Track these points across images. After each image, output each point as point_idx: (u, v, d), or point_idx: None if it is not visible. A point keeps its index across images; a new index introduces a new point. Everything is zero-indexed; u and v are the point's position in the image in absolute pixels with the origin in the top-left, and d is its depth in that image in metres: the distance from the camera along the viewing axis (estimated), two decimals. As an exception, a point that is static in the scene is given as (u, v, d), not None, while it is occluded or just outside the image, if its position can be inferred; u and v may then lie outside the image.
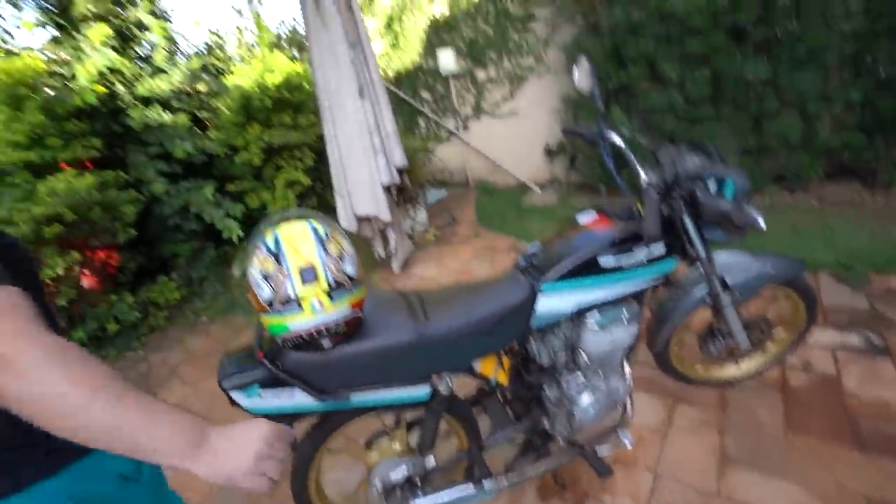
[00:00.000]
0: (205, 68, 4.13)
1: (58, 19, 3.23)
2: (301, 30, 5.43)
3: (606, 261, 1.24)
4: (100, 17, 3.22)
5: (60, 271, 2.85)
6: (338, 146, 3.13)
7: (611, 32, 3.66)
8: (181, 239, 3.86)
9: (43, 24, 3.24)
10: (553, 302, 1.25)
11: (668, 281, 1.42)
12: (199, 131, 3.89)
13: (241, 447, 0.64)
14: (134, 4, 3.51)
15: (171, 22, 3.83)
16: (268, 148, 3.84)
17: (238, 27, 4.77)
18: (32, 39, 2.99)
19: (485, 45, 4.72)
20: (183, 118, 3.63)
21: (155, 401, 0.61)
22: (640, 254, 1.26)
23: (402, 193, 3.85)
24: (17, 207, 2.57)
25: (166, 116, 3.51)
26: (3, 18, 3.12)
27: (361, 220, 3.36)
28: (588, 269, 1.24)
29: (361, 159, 3.11)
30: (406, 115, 5.44)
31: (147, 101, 3.50)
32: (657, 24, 3.39)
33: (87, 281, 3.22)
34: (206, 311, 3.70)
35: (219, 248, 4.11)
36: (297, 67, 4.17)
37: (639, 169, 1.25)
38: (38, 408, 0.53)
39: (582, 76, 1.34)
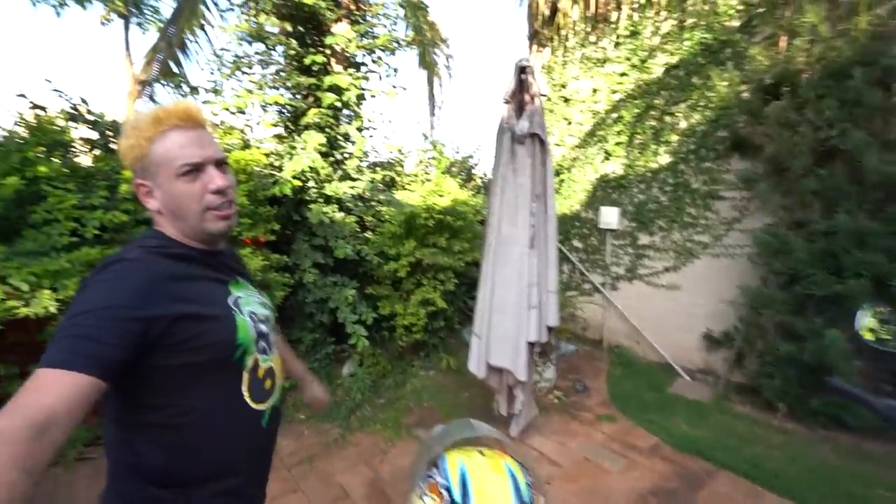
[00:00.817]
0: (383, 179, 4.48)
1: (288, 123, 3.78)
2: (476, 161, 5.85)
3: None
4: (319, 127, 3.69)
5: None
6: (491, 288, 2.96)
7: (825, 235, 3.17)
8: (309, 327, 3.90)
9: (276, 125, 3.81)
10: None
11: None
12: (360, 232, 4.10)
13: None
14: (348, 121, 4.01)
15: (370, 136, 4.28)
16: (415, 263, 3.87)
17: (421, 149, 5.22)
18: (265, 134, 3.61)
19: (655, 212, 4.49)
20: (351, 220, 3.86)
21: None
22: None
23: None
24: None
25: (338, 216, 3.74)
26: (249, 115, 3.72)
27: (493, 369, 3.04)
28: None
29: (513, 309, 2.87)
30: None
31: (328, 199, 3.80)
32: (891, 238, 2.84)
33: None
34: (304, 409, 3.54)
35: (338, 344, 4.07)
36: (464, 195, 4.32)
37: None
38: None
39: None
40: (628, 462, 2.99)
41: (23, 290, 2.23)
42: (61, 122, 2.87)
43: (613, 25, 4.66)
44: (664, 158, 4.40)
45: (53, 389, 0.66)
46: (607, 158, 4.92)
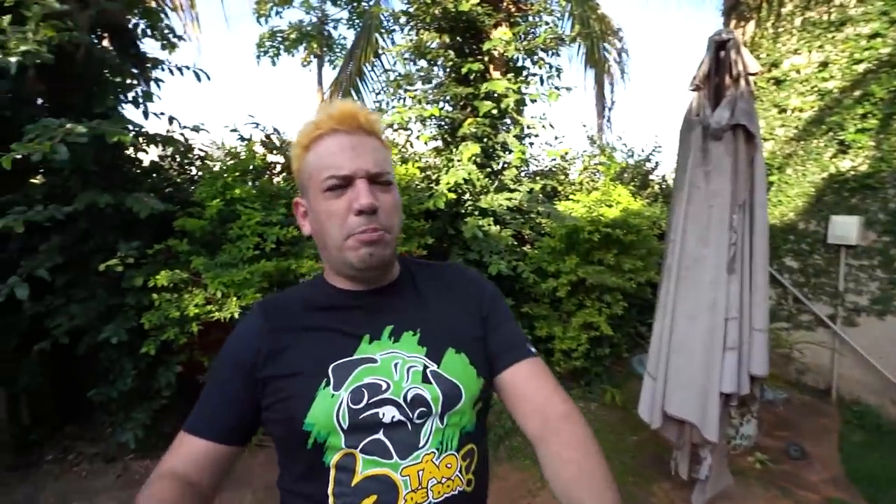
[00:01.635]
0: (543, 189, 4.17)
1: (446, 136, 3.77)
2: (653, 165, 5.09)
3: None
4: (475, 137, 3.58)
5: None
6: (672, 319, 2.39)
7: None
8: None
9: (434, 138, 3.84)
10: None
11: None
12: (516, 247, 3.86)
13: None
14: (507, 129, 3.82)
15: (531, 144, 4.02)
16: (577, 281, 3.45)
17: (587, 154, 4.74)
18: (424, 148, 3.70)
19: (929, 221, 3.19)
20: (507, 234, 3.64)
21: None
22: None
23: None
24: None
25: (494, 229, 3.56)
26: (410, 131, 3.81)
27: (671, 418, 2.46)
28: None
29: (701, 349, 2.27)
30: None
31: (484, 212, 3.65)
32: None
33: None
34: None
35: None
36: (637, 205, 3.73)
37: None
38: None
39: None
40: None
41: (217, 296, 2.59)
42: (258, 149, 3.32)
43: (859, -30, 3.49)
44: (946, 146, 3.10)
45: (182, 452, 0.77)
46: (843, 152, 3.71)
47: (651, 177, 5.21)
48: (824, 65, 3.82)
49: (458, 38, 3.63)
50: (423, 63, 3.79)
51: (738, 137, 2.25)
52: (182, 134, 3.14)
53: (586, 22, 3.96)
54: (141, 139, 2.94)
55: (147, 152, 2.99)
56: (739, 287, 2.25)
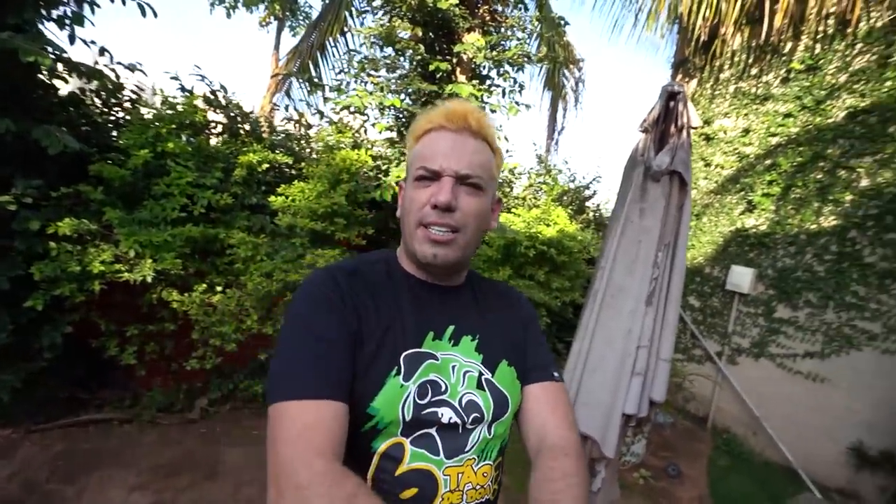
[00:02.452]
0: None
1: (402, 129, 3.73)
2: (591, 193, 5.39)
3: None
4: (431, 136, 3.57)
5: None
6: (590, 341, 2.54)
7: None
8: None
9: (390, 129, 3.78)
10: None
11: None
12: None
13: None
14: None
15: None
16: (506, 293, 3.56)
17: (533, 171, 4.92)
18: (379, 136, 3.63)
19: (805, 282, 3.69)
20: (448, 236, 3.67)
21: None
22: None
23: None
24: (280, 267, 2.75)
25: (436, 229, 3.58)
26: (367, 116, 3.72)
27: (574, 433, 2.61)
28: None
29: (612, 372, 2.44)
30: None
31: (428, 210, 3.66)
32: None
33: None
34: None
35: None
36: (572, 228, 3.93)
37: None
38: None
39: None
40: None
41: (130, 255, 2.35)
42: (198, 104, 3.06)
43: (784, 58, 3.97)
44: (829, 220, 3.60)
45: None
46: (750, 211, 4.19)
47: (588, 203, 5.54)
48: (746, 131, 4.29)
49: (430, 33, 3.61)
50: (389, 51, 3.71)
51: (674, 183, 2.46)
52: (114, 70, 2.80)
53: (553, 46, 4.12)
54: (61, 65, 2.57)
55: (67, 82, 2.63)
56: (653, 319, 2.45)
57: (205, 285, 2.74)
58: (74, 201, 2.53)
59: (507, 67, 3.76)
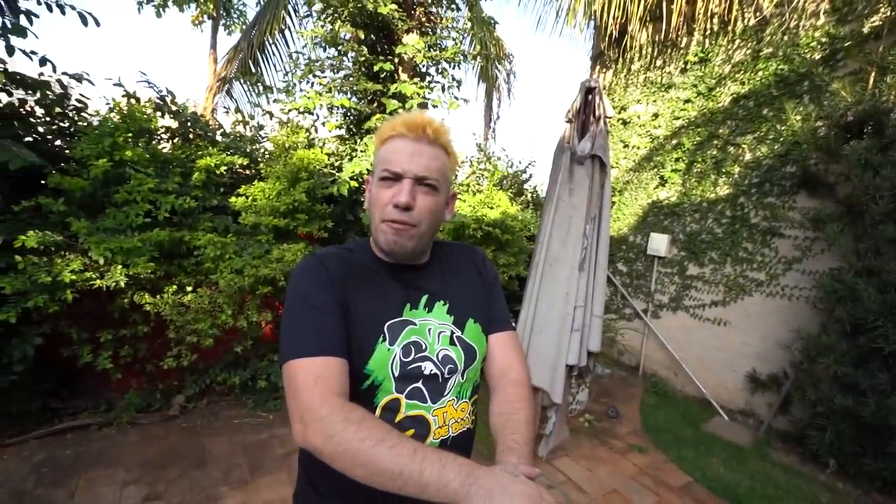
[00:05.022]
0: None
1: (351, 126, 3.93)
2: (527, 177, 5.85)
3: None
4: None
5: (253, 321, 3.09)
6: (535, 306, 2.96)
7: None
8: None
9: (339, 127, 3.97)
10: None
11: None
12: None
13: (515, 495, 0.66)
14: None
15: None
16: (459, 272, 3.91)
17: (473, 159, 5.28)
18: (329, 135, 3.79)
19: (708, 243, 4.35)
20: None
21: (423, 446, 0.72)
22: None
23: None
24: (250, 263, 2.91)
25: (390, 219, 3.84)
26: (316, 116, 3.88)
27: (528, 386, 3.03)
28: None
29: (555, 330, 2.87)
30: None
31: (383, 202, 3.91)
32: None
33: (268, 335, 3.45)
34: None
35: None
36: (514, 210, 4.34)
37: None
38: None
39: None
40: (658, 500, 2.91)
41: (100, 263, 2.43)
42: (149, 111, 3.10)
43: (682, 51, 4.57)
44: (723, 190, 4.27)
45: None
46: (662, 185, 4.82)
47: (525, 186, 6.02)
48: (656, 115, 4.90)
49: (371, 35, 3.81)
50: (333, 52, 3.88)
51: (595, 165, 2.90)
52: (59, 81, 2.79)
53: (485, 44, 4.46)
54: (3, 78, 2.55)
55: (11, 94, 2.60)
56: (586, 283, 2.90)
57: (175, 286, 2.85)
58: (33, 214, 2.55)
59: (446, 65, 4.06)
